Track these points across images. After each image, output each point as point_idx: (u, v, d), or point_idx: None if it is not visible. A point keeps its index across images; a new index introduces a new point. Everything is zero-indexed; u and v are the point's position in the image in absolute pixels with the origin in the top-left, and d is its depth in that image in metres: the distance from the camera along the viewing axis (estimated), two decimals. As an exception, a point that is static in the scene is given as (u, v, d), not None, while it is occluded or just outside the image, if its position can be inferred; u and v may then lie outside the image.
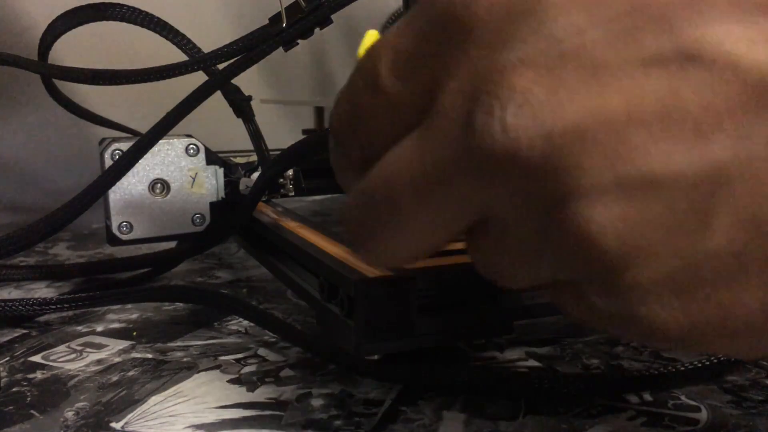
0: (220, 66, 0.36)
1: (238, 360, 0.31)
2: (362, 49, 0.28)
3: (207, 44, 0.40)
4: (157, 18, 0.41)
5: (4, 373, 0.30)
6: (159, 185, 0.42)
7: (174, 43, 0.42)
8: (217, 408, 0.27)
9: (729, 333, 0.15)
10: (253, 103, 0.44)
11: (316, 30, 0.33)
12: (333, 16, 0.33)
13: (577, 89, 0.14)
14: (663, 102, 0.13)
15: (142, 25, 0.41)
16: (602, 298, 0.16)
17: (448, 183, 0.16)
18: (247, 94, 0.44)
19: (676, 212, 0.14)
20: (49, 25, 0.43)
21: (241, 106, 0.42)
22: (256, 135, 0.42)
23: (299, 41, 0.33)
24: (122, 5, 0.41)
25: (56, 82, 0.46)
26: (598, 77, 0.14)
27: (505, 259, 0.17)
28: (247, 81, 0.39)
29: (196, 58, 0.36)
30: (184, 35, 0.42)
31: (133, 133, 0.49)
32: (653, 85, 0.14)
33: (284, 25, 0.33)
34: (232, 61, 0.35)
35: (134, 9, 0.41)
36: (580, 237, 0.14)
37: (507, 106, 0.14)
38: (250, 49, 0.33)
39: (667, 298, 0.15)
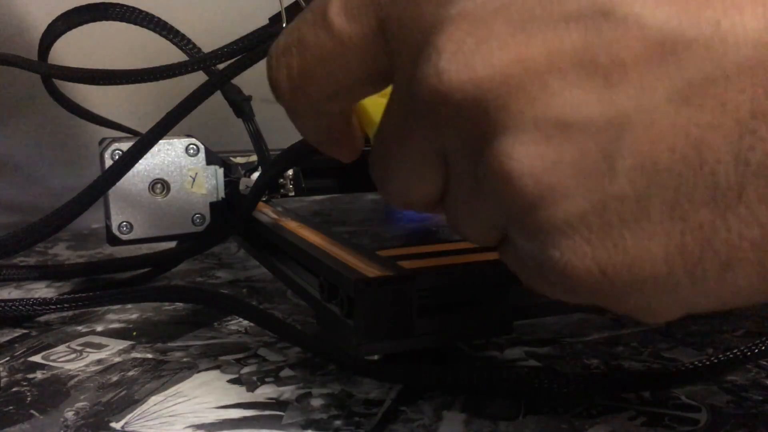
0: (221, 66, 0.36)
1: (238, 360, 0.31)
2: None
3: (207, 44, 0.40)
4: (157, 18, 0.41)
5: (4, 373, 0.30)
6: (159, 185, 0.42)
7: (174, 43, 0.42)
8: (217, 408, 0.27)
9: (636, 285, 0.16)
10: (254, 103, 0.44)
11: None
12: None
13: (506, 40, 0.15)
14: (579, 53, 0.15)
15: (142, 25, 0.41)
16: (524, 241, 0.17)
17: (410, 130, 0.18)
18: (248, 93, 0.44)
19: (585, 154, 0.15)
20: (49, 26, 0.43)
21: (242, 106, 0.42)
22: (256, 135, 0.42)
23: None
24: (122, 5, 0.41)
25: (56, 82, 0.46)
26: (524, 30, 0.15)
27: (461, 209, 0.19)
28: (247, 81, 0.39)
29: (197, 58, 0.36)
30: (183, 35, 0.42)
31: (132, 132, 0.49)
32: (572, 38, 0.15)
33: (284, 24, 0.33)
34: (232, 61, 0.35)
35: (134, 9, 0.41)
36: (501, 174, 0.16)
37: (442, 55, 0.16)
38: (251, 48, 0.33)
39: (578, 242, 0.16)
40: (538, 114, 0.15)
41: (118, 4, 0.41)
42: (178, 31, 0.42)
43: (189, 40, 0.42)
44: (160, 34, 0.41)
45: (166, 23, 0.41)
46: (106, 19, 0.41)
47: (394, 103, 0.19)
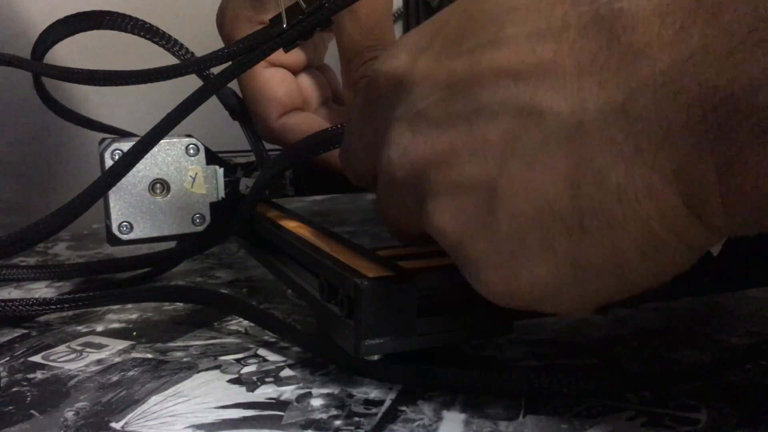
0: (221, 66, 0.36)
1: (238, 360, 0.31)
2: None
3: (208, 45, 0.40)
4: (156, 27, 0.41)
5: (4, 373, 0.30)
6: (159, 185, 0.42)
7: (172, 53, 0.41)
8: (217, 408, 0.27)
9: (540, 297, 0.22)
10: (254, 104, 0.44)
11: (317, 31, 0.33)
12: (333, 17, 0.33)
13: (424, 133, 0.23)
14: (465, 140, 0.22)
15: (138, 35, 0.41)
16: (455, 261, 0.24)
17: (390, 197, 0.27)
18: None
19: (477, 209, 0.22)
20: (42, 35, 0.43)
21: (237, 108, 0.42)
22: (254, 135, 0.42)
23: (299, 42, 0.33)
24: (114, 13, 0.41)
25: (52, 84, 0.46)
26: (434, 127, 0.23)
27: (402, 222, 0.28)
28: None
29: (197, 59, 0.36)
30: (182, 45, 0.41)
31: (129, 135, 0.49)
32: (461, 129, 0.22)
33: (285, 26, 0.33)
34: (233, 61, 0.35)
35: (129, 17, 0.41)
36: (431, 224, 0.23)
37: (390, 147, 0.24)
38: (251, 50, 0.33)
39: (489, 273, 0.22)
40: (445, 182, 0.22)
41: (110, 12, 0.41)
42: (176, 41, 0.41)
43: (187, 50, 0.42)
44: (158, 44, 0.41)
45: (164, 33, 0.41)
46: (99, 28, 0.41)
47: (380, 181, 0.27)
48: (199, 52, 0.35)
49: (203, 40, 0.46)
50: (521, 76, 0.20)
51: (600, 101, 0.19)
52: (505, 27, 0.21)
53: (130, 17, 0.41)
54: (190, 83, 0.41)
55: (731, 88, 0.17)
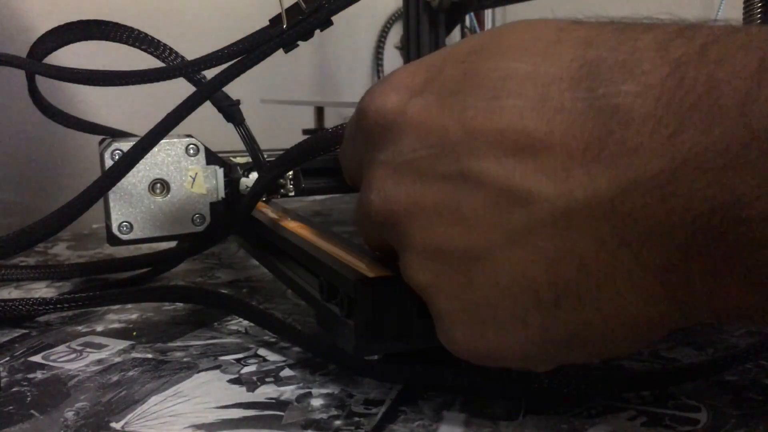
0: (221, 67, 0.36)
1: (238, 360, 0.31)
2: None
3: (207, 46, 0.40)
4: (151, 37, 0.41)
5: (4, 373, 0.30)
6: (159, 185, 0.42)
7: (167, 63, 0.41)
8: (217, 408, 0.27)
9: (502, 361, 0.23)
10: (253, 104, 0.44)
11: (317, 31, 0.33)
12: (333, 18, 0.33)
13: (408, 185, 0.23)
14: (451, 202, 0.22)
15: (133, 45, 0.41)
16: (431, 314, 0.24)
17: (361, 224, 0.27)
18: (247, 93, 0.44)
19: (455, 272, 0.22)
20: (35, 44, 0.43)
21: (230, 111, 0.42)
22: (248, 138, 0.42)
23: (300, 43, 0.33)
24: (108, 23, 0.41)
25: (50, 84, 0.46)
26: (419, 181, 0.22)
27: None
28: (247, 81, 0.39)
29: (197, 60, 0.36)
30: (178, 53, 0.41)
31: (126, 135, 0.49)
32: (447, 190, 0.22)
33: (285, 26, 0.33)
34: (233, 61, 0.35)
35: (124, 27, 0.41)
36: (406, 275, 0.24)
37: (371, 191, 0.24)
38: (251, 50, 0.33)
39: (457, 331, 0.23)
40: (424, 240, 0.22)
41: (104, 22, 0.41)
42: (172, 50, 0.41)
43: (183, 59, 0.42)
44: (153, 54, 0.41)
45: (159, 42, 0.41)
46: (92, 38, 0.41)
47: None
48: (201, 52, 0.35)
49: (203, 40, 0.46)
50: (511, 152, 0.20)
51: (588, 193, 0.19)
52: (501, 97, 0.21)
53: (125, 27, 0.41)
54: (190, 85, 0.41)
55: (721, 199, 0.17)
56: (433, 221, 0.22)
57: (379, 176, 0.24)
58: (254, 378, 0.29)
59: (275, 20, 0.33)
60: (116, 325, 0.37)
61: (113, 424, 0.25)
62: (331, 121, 0.83)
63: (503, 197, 0.20)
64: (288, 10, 0.33)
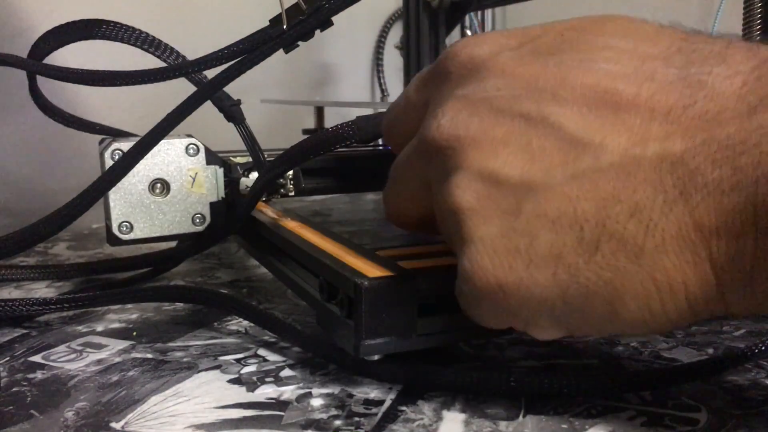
0: (222, 67, 0.36)
1: (238, 360, 0.31)
2: None
3: (208, 47, 0.40)
4: (152, 37, 0.41)
5: (4, 373, 0.30)
6: (159, 185, 0.42)
7: (168, 63, 0.41)
8: (217, 408, 0.27)
9: (523, 301, 0.23)
10: (254, 104, 0.44)
11: (317, 32, 0.33)
12: (333, 17, 0.33)
13: (483, 117, 0.24)
14: (521, 137, 0.23)
15: (135, 45, 0.41)
16: (454, 245, 0.25)
17: (412, 163, 0.27)
18: (247, 93, 0.44)
19: (504, 197, 0.23)
20: (35, 45, 0.43)
21: (231, 111, 0.42)
22: (249, 138, 0.42)
23: (300, 43, 0.33)
24: (109, 22, 0.41)
25: (49, 85, 0.46)
26: (495, 115, 0.23)
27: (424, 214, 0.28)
28: (247, 81, 0.39)
29: (197, 60, 0.36)
30: (179, 53, 0.41)
31: (126, 135, 0.49)
32: (520, 127, 0.23)
33: (285, 26, 0.33)
34: (234, 62, 0.35)
35: (126, 27, 0.41)
36: (449, 195, 0.24)
37: (442, 116, 0.25)
38: (251, 50, 0.33)
39: (484, 257, 0.23)
40: (482, 164, 0.23)
41: (105, 21, 0.41)
42: (173, 49, 0.41)
43: (184, 59, 0.42)
44: (154, 54, 0.41)
45: (160, 41, 0.41)
46: (93, 38, 0.41)
47: (409, 145, 0.28)
48: (202, 52, 0.35)
49: (203, 40, 0.46)
50: (595, 106, 0.22)
51: (661, 146, 0.20)
52: (597, 60, 0.23)
53: (125, 26, 0.41)
54: (190, 85, 0.41)
55: None
56: (498, 149, 0.23)
57: (454, 106, 0.25)
58: (254, 378, 0.29)
59: (275, 20, 0.33)
60: (116, 325, 0.37)
61: (113, 424, 0.25)
62: (331, 121, 0.83)
63: (575, 143, 0.22)
64: (288, 11, 0.33)
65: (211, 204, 0.43)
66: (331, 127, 0.33)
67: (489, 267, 0.23)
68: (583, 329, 0.23)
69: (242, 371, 0.30)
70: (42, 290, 0.44)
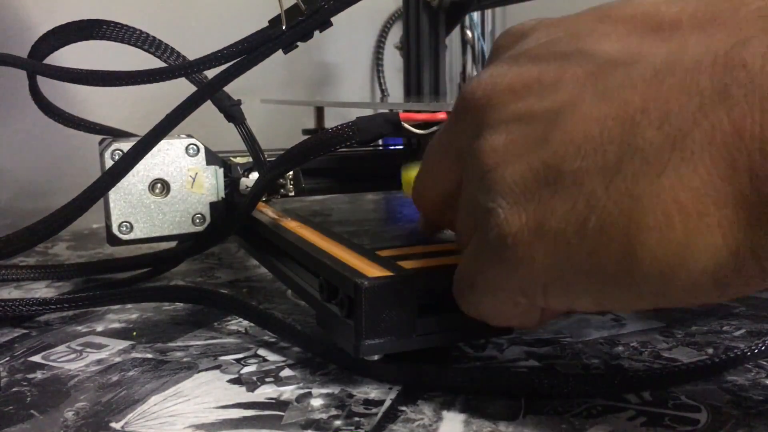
0: (222, 67, 0.36)
1: (238, 360, 0.31)
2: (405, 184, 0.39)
3: (208, 47, 0.40)
4: (152, 37, 0.41)
5: (4, 373, 0.30)
6: (159, 185, 0.42)
7: (168, 64, 0.41)
8: (217, 408, 0.27)
9: (541, 236, 0.21)
10: (254, 104, 0.44)
11: (316, 33, 0.33)
12: (333, 18, 0.33)
13: (521, 65, 0.23)
14: (554, 73, 0.22)
15: (135, 45, 0.41)
16: (482, 194, 0.23)
17: (445, 130, 0.27)
18: (247, 93, 0.44)
19: (532, 130, 0.22)
20: (34, 46, 0.43)
21: (231, 111, 0.42)
22: (249, 138, 0.42)
23: (299, 43, 0.33)
24: (110, 22, 0.41)
25: (48, 86, 0.46)
26: (533, 61, 0.23)
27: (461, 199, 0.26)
28: (247, 81, 0.39)
29: (197, 60, 0.36)
30: (179, 53, 0.41)
31: (126, 135, 0.49)
32: (554, 65, 0.22)
33: (284, 27, 0.33)
34: (234, 62, 0.35)
35: (126, 27, 0.41)
36: (479, 146, 0.23)
37: (485, 73, 0.24)
38: (250, 51, 0.33)
39: (513, 200, 0.22)
40: (515, 109, 0.22)
41: (105, 21, 0.41)
42: (173, 49, 0.41)
43: (185, 58, 0.42)
44: (154, 54, 0.41)
45: (160, 41, 0.41)
46: (93, 38, 0.41)
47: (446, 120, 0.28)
48: (201, 52, 0.35)
49: (204, 41, 0.46)
50: (634, 30, 0.21)
51: (701, 46, 0.19)
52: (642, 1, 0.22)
53: (125, 27, 0.41)
54: (190, 85, 0.41)
55: None
56: (531, 88, 0.22)
57: (496, 63, 0.24)
58: (254, 378, 0.29)
59: (275, 21, 0.33)
60: (116, 325, 0.37)
61: (113, 424, 0.25)
62: (331, 121, 0.83)
63: (609, 63, 0.20)
64: (287, 11, 0.33)
65: (211, 204, 0.43)
66: (332, 128, 0.33)
67: (521, 202, 0.21)
68: (600, 285, 0.20)
69: (242, 371, 0.30)
70: (42, 290, 0.44)
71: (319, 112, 0.80)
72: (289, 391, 0.28)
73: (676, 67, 0.19)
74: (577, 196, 0.20)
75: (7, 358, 0.32)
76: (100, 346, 0.34)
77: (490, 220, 0.22)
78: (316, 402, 0.27)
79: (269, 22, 0.33)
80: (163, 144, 0.41)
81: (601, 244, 0.19)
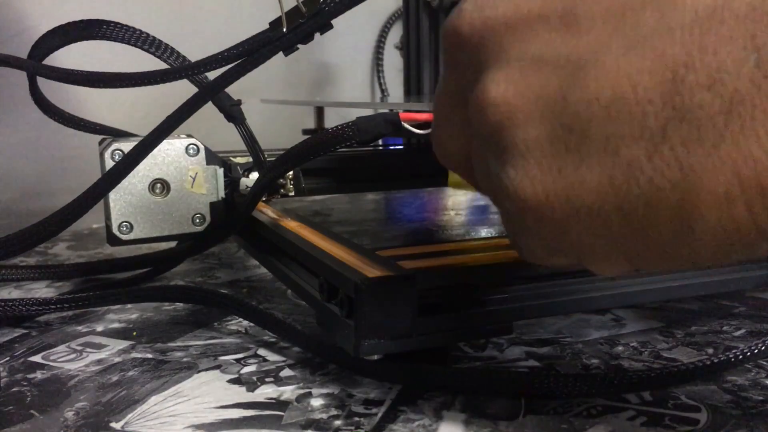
0: (222, 69, 0.36)
1: (238, 360, 0.31)
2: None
3: (208, 48, 0.40)
4: (152, 37, 0.41)
5: (4, 373, 0.30)
6: (159, 185, 0.42)
7: (168, 64, 0.41)
8: (217, 408, 0.27)
9: (573, 213, 0.18)
10: (254, 104, 0.44)
11: (316, 34, 0.33)
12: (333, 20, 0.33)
13: None
14: (561, 9, 0.18)
15: (136, 45, 0.41)
16: (492, 159, 0.20)
17: (444, 76, 0.22)
18: (247, 93, 0.44)
19: (547, 85, 0.18)
20: (34, 46, 0.43)
21: (231, 111, 0.42)
22: (249, 138, 0.42)
23: (299, 46, 0.33)
24: (111, 23, 0.41)
25: (54, 84, 0.46)
26: None
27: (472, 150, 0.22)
28: (247, 81, 0.39)
29: (198, 62, 0.36)
30: (179, 54, 0.41)
31: (126, 135, 0.49)
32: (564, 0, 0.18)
33: (285, 29, 0.33)
34: (234, 64, 0.35)
35: (127, 27, 0.41)
36: (485, 95, 0.19)
37: (467, 2, 0.20)
38: (251, 53, 0.33)
39: (530, 164, 0.18)
40: (522, 50, 0.19)
41: (105, 21, 0.41)
42: (173, 50, 0.41)
43: (185, 58, 0.42)
44: (155, 55, 0.41)
45: (161, 42, 0.41)
46: (93, 38, 0.41)
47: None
48: (202, 53, 0.35)
49: (204, 42, 0.46)
50: None
51: None
52: None
53: (126, 27, 0.41)
54: (191, 86, 0.41)
55: None
56: (537, 28, 0.18)
57: None
58: (254, 378, 0.29)
59: (275, 23, 0.33)
60: (116, 325, 0.37)
61: (113, 424, 0.25)
62: (331, 121, 0.83)
63: (636, 4, 0.17)
64: (288, 14, 0.33)
65: (211, 204, 0.43)
66: (332, 128, 0.33)
67: (536, 175, 0.18)
68: (647, 256, 0.18)
69: (242, 371, 0.30)
70: (42, 290, 0.44)
71: (319, 112, 0.80)
72: (289, 391, 0.28)
73: (724, 14, 0.16)
74: (612, 166, 0.17)
75: (7, 358, 0.32)
76: (100, 346, 0.34)
77: (506, 191, 0.19)
78: (316, 402, 0.27)
79: (270, 24, 0.33)
80: (163, 144, 0.41)
81: (649, 221, 0.17)
